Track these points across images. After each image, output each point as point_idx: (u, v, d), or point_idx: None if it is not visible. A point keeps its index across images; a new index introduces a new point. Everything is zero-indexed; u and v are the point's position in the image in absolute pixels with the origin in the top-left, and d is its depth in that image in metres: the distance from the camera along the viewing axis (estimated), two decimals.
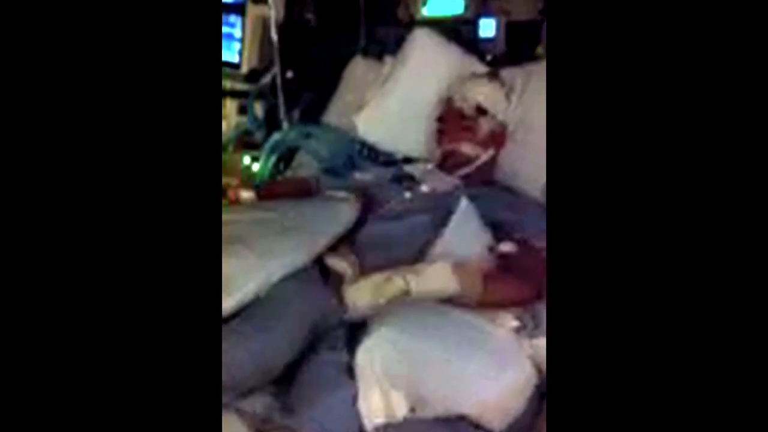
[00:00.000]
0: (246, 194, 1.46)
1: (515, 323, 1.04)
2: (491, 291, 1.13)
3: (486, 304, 1.11)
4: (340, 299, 1.13)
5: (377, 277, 1.12)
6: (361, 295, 1.11)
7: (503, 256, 1.23)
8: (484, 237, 1.27)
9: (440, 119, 1.54)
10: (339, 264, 1.22)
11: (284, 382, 0.99)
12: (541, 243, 1.23)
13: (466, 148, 1.48)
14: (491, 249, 1.24)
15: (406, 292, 1.09)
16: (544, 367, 1.01)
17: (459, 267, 1.13)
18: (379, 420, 0.92)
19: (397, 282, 1.10)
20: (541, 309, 1.08)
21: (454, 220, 1.23)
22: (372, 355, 0.93)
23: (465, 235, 1.24)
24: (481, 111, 1.49)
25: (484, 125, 1.49)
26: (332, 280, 1.19)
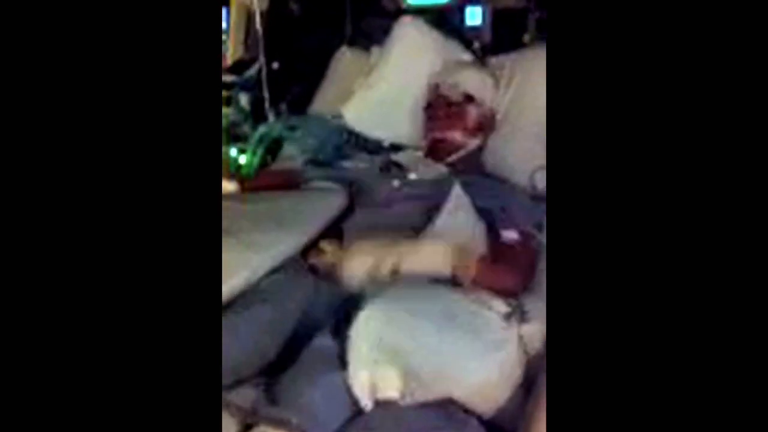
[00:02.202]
0: (228, 186, 1.45)
1: (505, 308, 1.04)
2: (483, 277, 1.13)
3: (477, 287, 1.10)
4: (331, 280, 1.12)
5: (370, 246, 1.13)
6: (356, 263, 1.11)
7: (502, 245, 1.23)
8: (477, 224, 1.26)
9: (428, 107, 1.55)
10: (328, 247, 1.21)
11: (273, 373, 0.99)
12: (529, 231, 1.23)
13: (455, 136, 1.48)
14: (497, 236, 1.24)
15: (396, 270, 1.09)
16: (532, 353, 1.02)
17: (456, 250, 1.13)
18: (371, 399, 0.91)
19: (390, 258, 1.10)
20: (531, 296, 1.09)
21: (447, 207, 1.23)
22: (364, 329, 0.93)
23: (457, 221, 1.24)
24: (468, 98, 1.49)
25: (472, 112, 1.49)
26: (321, 269, 1.19)
